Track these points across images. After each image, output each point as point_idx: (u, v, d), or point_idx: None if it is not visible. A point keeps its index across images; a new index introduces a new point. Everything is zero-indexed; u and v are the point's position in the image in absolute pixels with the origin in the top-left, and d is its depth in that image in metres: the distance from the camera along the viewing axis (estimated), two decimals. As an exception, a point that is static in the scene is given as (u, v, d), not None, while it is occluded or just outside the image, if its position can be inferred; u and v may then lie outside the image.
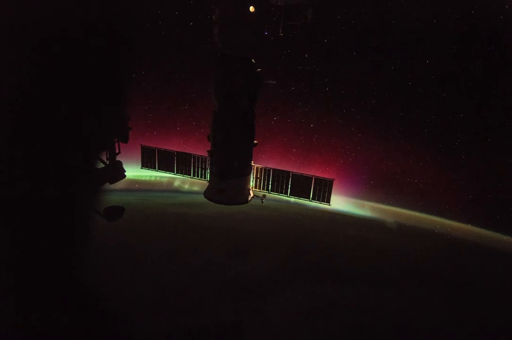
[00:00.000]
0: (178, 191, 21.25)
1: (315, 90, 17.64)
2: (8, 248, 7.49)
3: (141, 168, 8.32)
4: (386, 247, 17.87)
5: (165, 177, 20.31)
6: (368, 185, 19.93)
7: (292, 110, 18.48)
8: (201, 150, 7.79)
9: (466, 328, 13.04)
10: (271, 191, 7.70)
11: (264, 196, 7.65)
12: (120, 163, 8.92)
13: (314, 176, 7.49)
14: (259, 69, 6.58)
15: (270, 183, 7.64)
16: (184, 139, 19.06)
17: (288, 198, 7.75)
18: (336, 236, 18.66)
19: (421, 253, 17.43)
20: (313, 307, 13.33)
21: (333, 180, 7.42)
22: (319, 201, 7.56)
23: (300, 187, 7.54)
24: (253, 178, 7.60)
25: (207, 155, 7.32)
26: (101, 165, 8.65)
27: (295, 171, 7.60)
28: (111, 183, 8.75)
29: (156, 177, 21.55)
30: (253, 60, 6.54)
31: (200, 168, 7.81)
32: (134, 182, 21.58)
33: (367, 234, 19.06)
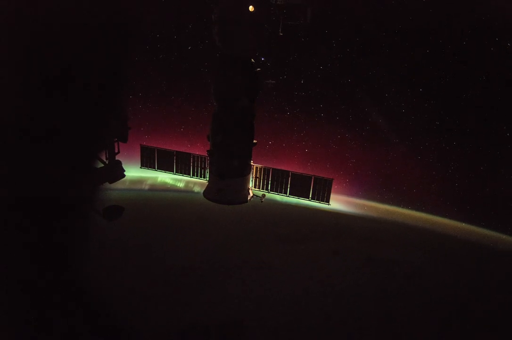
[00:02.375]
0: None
1: (311, 116, 17.92)
2: (8, 248, 7.49)
3: (141, 168, 8.33)
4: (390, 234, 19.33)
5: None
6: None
7: (287, 136, 18.73)
8: (200, 149, 7.83)
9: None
10: (270, 191, 7.71)
11: (263, 195, 7.66)
12: (119, 163, 8.92)
13: (314, 175, 7.49)
14: (258, 69, 6.58)
15: (270, 182, 7.64)
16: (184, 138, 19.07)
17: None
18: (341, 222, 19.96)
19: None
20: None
21: (332, 179, 7.43)
22: (319, 200, 7.56)
23: (300, 186, 7.55)
24: (253, 177, 7.60)
25: (207, 155, 7.32)
26: (101, 165, 8.65)
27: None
28: (111, 182, 8.75)
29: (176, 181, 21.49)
30: (252, 60, 6.54)
31: (199, 168, 7.81)
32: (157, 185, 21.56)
33: (371, 225, 19.79)
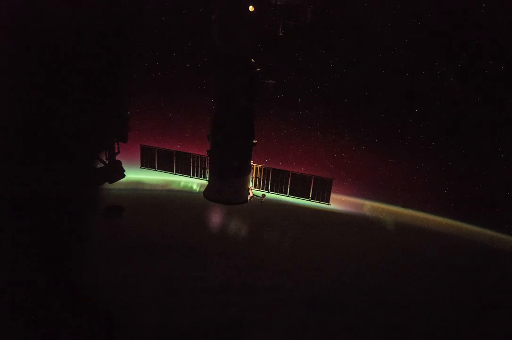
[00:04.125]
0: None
1: (307, 135, 18.11)
2: (10, 247, 7.49)
3: (141, 168, 8.32)
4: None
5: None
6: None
7: (283, 154, 18.89)
8: (200, 149, 7.83)
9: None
10: (270, 191, 7.71)
11: (263, 195, 7.65)
12: (119, 163, 8.93)
13: (314, 175, 7.49)
14: (258, 69, 6.58)
15: (270, 182, 7.64)
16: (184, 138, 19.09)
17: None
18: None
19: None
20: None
21: (332, 179, 7.42)
22: (319, 200, 7.55)
23: (300, 186, 7.55)
24: (253, 177, 7.60)
25: (207, 155, 7.32)
26: (101, 165, 8.66)
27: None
28: (111, 182, 8.76)
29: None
30: (252, 60, 6.54)
31: (199, 168, 7.81)
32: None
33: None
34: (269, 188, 7.70)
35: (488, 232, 18.65)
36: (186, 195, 21.03)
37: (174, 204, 20.21)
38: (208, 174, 7.62)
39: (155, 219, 18.36)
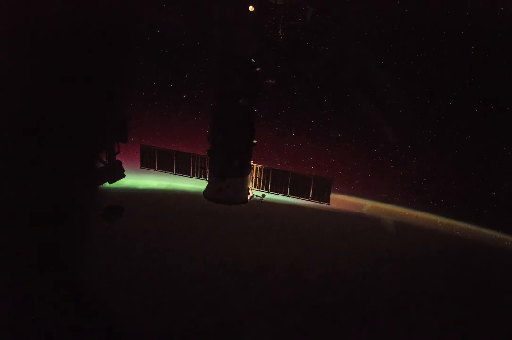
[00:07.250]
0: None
1: (300, 168, 18.22)
2: (10, 248, 7.50)
3: (141, 168, 8.32)
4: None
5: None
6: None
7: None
8: (200, 149, 7.84)
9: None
10: (270, 191, 7.70)
11: (263, 195, 7.65)
12: (119, 163, 8.92)
13: (314, 175, 7.49)
14: (258, 69, 6.59)
15: (270, 182, 7.63)
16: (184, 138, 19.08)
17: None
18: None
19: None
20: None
21: (331, 180, 7.42)
22: (318, 200, 7.55)
23: (299, 186, 7.54)
24: (253, 177, 7.60)
25: (207, 155, 7.33)
26: (101, 165, 8.66)
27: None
28: (111, 182, 8.75)
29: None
30: (252, 60, 6.55)
31: (199, 168, 7.81)
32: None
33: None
34: (269, 188, 7.70)
35: (487, 231, 18.74)
36: (186, 195, 21.04)
37: (175, 204, 20.23)
38: (208, 173, 7.62)
39: (156, 219, 18.36)
